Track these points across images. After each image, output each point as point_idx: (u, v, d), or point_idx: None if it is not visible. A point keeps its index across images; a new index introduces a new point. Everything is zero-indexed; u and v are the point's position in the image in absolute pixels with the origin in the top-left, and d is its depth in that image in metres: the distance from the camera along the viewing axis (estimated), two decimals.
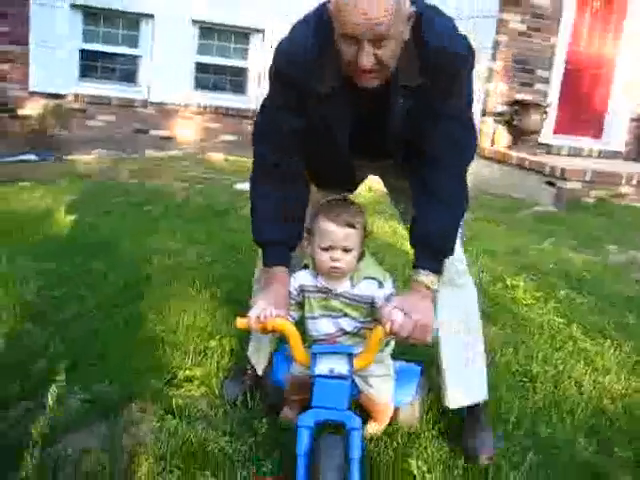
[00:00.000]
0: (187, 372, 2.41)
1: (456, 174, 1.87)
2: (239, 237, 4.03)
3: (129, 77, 8.48)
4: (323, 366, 1.78)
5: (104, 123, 8.29)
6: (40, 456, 1.87)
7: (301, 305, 1.99)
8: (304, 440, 1.70)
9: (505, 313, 3.27)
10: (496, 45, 7.53)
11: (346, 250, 1.84)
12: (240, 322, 1.84)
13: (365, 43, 1.59)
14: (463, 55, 1.76)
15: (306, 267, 1.97)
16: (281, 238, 1.93)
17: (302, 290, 1.96)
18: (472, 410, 2.15)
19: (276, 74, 1.85)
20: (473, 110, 1.93)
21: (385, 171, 2.18)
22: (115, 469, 1.86)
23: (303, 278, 1.96)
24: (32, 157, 6.81)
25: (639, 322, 3.36)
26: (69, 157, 7.04)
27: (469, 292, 2.15)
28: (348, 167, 2.01)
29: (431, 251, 1.83)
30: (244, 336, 2.43)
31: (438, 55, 1.70)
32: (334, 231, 1.82)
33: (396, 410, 2.13)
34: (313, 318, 1.97)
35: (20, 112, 7.75)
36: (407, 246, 2.03)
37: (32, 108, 7.76)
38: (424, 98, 1.75)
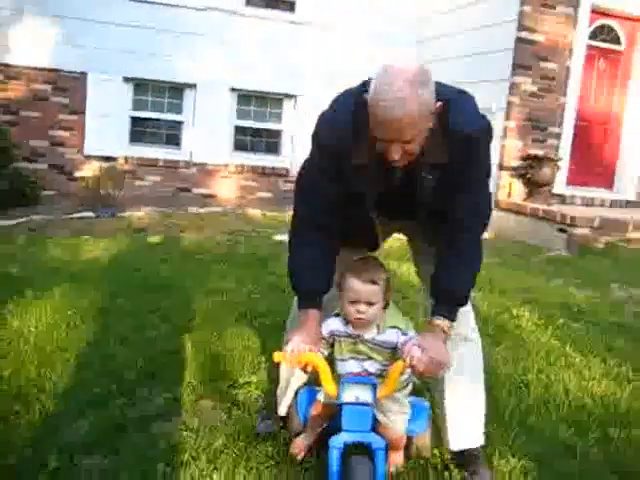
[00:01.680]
0: (245, 379, 3.02)
1: (475, 236, 2.16)
2: (281, 279, 4.67)
3: (174, 140, 9.33)
4: (349, 394, 2.05)
5: (151, 183, 9.12)
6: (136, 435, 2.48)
7: (331, 345, 2.21)
8: (335, 459, 2.00)
9: (508, 337, 3.84)
10: (509, 105, 8.22)
11: (370, 303, 2.07)
12: (277, 355, 2.09)
13: (393, 144, 1.86)
14: (482, 135, 2.03)
15: (337, 315, 2.20)
16: (317, 286, 2.17)
17: (332, 334, 2.19)
18: (471, 453, 2.39)
19: (317, 142, 2.11)
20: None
21: (408, 230, 2.48)
22: (197, 443, 2.46)
23: (334, 324, 2.19)
24: (90, 214, 7.57)
25: (627, 344, 3.90)
26: (122, 214, 7.80)
27: (477, 347, 2.43)
28: (373, 228, 2.29)
29: (451, 301, 2.12)
30: None
31: (460, 137, 1.96)
32: (359, 288, 2.05)
33: (410, 439, 2.36)
34: (342, 360, 2.19)
35: (77, 174, 8.63)
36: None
37: (88, 170, 8.63)
38: (449, 172, 2.01)
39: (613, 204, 8.88)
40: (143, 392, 2.83)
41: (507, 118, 8.20)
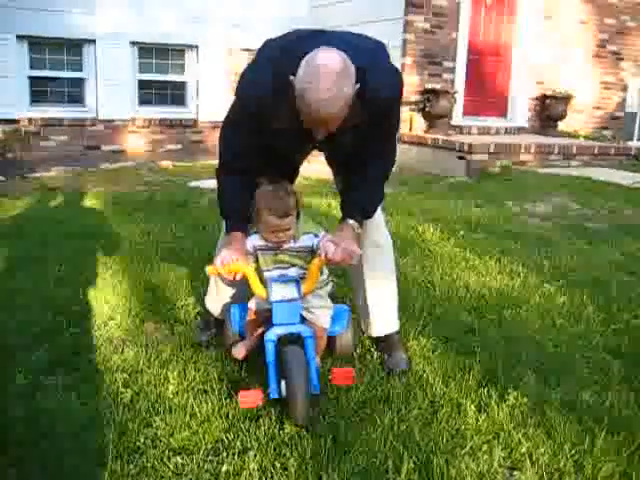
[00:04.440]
0: (182, 302, 3.30)
1: (382, 171, 2.50)
2: (200, 220, 4.92)
3: (77, 99, 9.22)
4: (277, 293, 2.32)
5: (59, 142, 9.03)
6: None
7: (256, 259, 2.46)
8: (271, 351, 2.26)
9: (415, 249, 4.28)
10: (405, 43, 8.59)
11: (287, 229, 2.36)
12: (210, 268, 2.35)
13: (320, 128, 2.14)
14: (396, 96, 2.32)
15: (256, 232, 2.46)
16: (241, 211, 2.42)
17: (256, 249, 2.45)
18: (389, 337, 2.78)
19: (238, 102, 2.36)
20: None
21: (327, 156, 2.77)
22: (147, 355, 2.73)
23: (256, 240, 2.44)
24: (0, 177, 7.48)
25: (518, 247, 4.42)
26: (33, 174, 7.74)
27: (389, 251, 2.77)
28: (293, 164, 2.68)
29: (359, 210, 2.46)
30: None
31: (377, 103, 2.21)
32: (276, 223, 2.33)
33: (333, 340, 2.64)
34: (268, 270, 2.46)
35: None
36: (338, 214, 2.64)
37: None
38: (367, 128, 2.29)
39: (507, 131, 9.50)
40: (90, 323, 3.06)
41: (404, 55, 8.59)
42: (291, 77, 2.07)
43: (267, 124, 2.27)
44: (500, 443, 2.14)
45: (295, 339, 2.32)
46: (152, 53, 9.56)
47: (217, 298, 2.88)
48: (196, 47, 9.63)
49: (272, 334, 2.29)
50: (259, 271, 2.47)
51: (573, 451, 2.10)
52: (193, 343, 2.83)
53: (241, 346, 2.59)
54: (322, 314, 2.53)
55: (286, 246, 2.42)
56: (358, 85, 2.09)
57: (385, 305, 2.79)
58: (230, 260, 2.31)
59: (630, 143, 9.18)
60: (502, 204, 6.05)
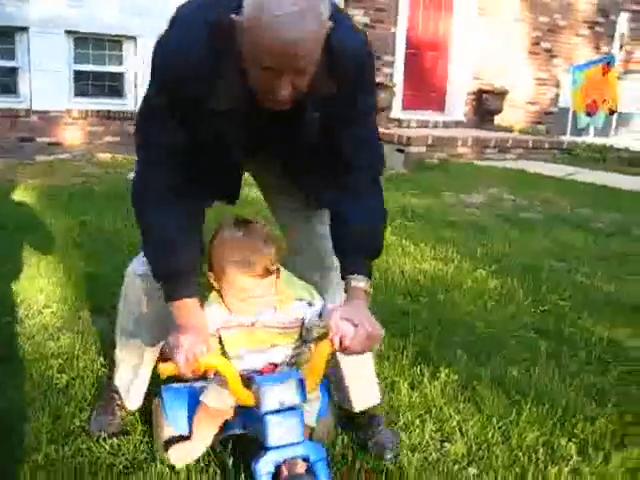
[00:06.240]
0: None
1: (369, 176, 1.77)
2: None
3: (10, 88, 8.97)
4: (271, 400, 1.54)
5: None
6: None
7: (219, 342, 1.72)
8: None
9: None
10: None
11: (264, 295, 1.64)
12: (164, 369, 1.55)
13: (284, 75, 1.43)
14: (368, 53, 1.71)
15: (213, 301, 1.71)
16: (188, 265, 1.66)
17: (217, 328, 1.70)
18: (371, 412, 2.11)
19: (158, 82, 1.65)
20: None
21: (270, 168, 1.97)
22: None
23: (218, 315, 1.69)
24: None
25: (454, 235, 4.55)
26: None
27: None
28: (237, 176, 1.83)
29: (365, 253, 1.72)
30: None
31: (346, 57, 1.59)
32: (251, 287, 1.61)
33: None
34: (238, 357, 1.71)
35: None
36: None
37: None
38: (337, 105, 1.63)
39: (445, 125, 9.70)
40: (24, 312, 2.98)
41: None
42: (232, 16, 1.43)
43: (202, 108, 1.58)
44: (432, 418, 2.21)
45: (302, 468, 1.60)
46: (89, 43, 9.37)
47: (135, 380, 2.08)
48: (134, 38, 9.49)
49: (267, 464, 1.53)
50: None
51: (500, 423, 2.19)
52: None
53: (182, 451, 1.84)
54: (314, 410, 1.76)
55: (265, 319, 1.69)
56: (331, 24, 1.47)
57: (364, 373, 2.10)
58: (199, 353, 1.52)
59: (563, 137, 9.49)
60: (439, 195, 6.19)
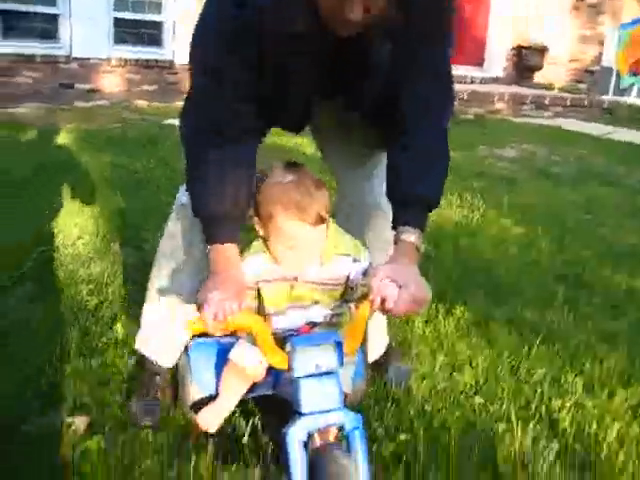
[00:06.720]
0: (149, 226, 3.38)
1: (439, 120, 1.62)
2: (170, 155, 4.98)
3: (51, 35, 9.07)
4: (306, 363, 1.40)
5: (31, 79, 8.92)
6: None
7: (257, 295, 1.60)
8: (300, 457, 1.34)
9: None
10: None
11: (313, 246, 1.51)
12: (191, 325, 1.41)
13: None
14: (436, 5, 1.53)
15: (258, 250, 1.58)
16: (235, 210, 1.54)
17: (258, 281, 1.58)
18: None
19: (219, 14, 1.52)
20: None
21: (333, 113, 1.81)
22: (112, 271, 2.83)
23: (259, 265, 1.56)
24: None
25: (483, 185, 4.56)
26: (3, 110, 7.67)
27: None
28: (305, 109, 1.68)
29: (421, 207, 1.56)
30: None
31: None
32: (303, 236, 1.47)
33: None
34: (278, 313, 1.60)
35: None
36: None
37: None
38: (405, 42, 1.47)
39: (483, 81, 9.55)
40: (59, 241, 3.11)
41: None
42: None
43: (268, 36, 1.45)
44: (443, 350, 2.28)
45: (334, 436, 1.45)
46: None
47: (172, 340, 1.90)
48: None
49: (300, 430, 1.37)
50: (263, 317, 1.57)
51: (510, 358, 2.25)
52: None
53: (212, 412, 1.66)
54: (345, 374, 1.55)
55: (308, 275, 1.56)
56: None
57: (376, 321, 1.99)
58: (229, 311, 1.39)
59: (604, 97, 9.29)
60: (472, 148, 6.16)
